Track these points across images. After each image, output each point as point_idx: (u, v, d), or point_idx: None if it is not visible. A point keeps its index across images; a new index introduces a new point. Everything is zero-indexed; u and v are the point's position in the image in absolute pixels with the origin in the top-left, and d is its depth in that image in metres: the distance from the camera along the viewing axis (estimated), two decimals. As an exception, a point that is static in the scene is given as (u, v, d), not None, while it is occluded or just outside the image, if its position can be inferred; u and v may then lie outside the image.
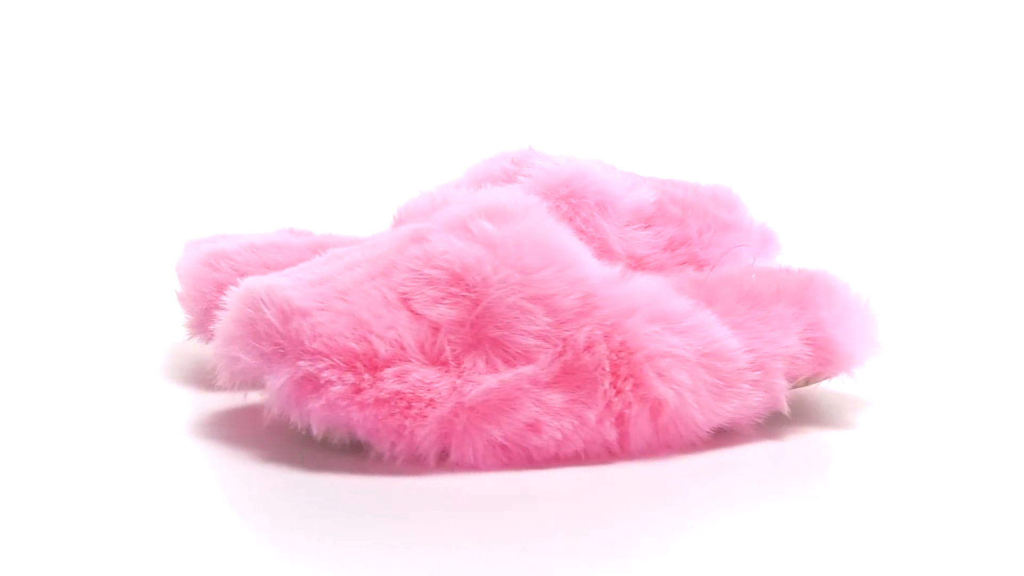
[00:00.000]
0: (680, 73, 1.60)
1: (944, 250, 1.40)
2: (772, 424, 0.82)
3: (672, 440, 0.78)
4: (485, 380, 0.75)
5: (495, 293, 0.76)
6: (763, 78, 1.60)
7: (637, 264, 0.88)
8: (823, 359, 0.82)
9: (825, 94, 1.60)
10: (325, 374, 0.76)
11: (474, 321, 0.77)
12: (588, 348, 0.77)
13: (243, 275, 0.86)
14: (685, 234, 0.90)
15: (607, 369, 0.77)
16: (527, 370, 0.76)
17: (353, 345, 0.76)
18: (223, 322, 0.80)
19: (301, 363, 0.76)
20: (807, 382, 0.83)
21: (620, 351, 0.77)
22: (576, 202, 0.87)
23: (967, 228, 1.47)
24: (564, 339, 0.77)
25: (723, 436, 0.80)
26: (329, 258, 0.83)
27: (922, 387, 0.93)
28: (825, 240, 1.37)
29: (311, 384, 0.76)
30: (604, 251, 0.87)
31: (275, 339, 0.77)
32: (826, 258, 0.99)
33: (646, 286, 0.80)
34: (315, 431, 0.77)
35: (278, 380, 0.77)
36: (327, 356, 0.76)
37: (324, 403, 0.76)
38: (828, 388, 0.88)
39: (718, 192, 0.94)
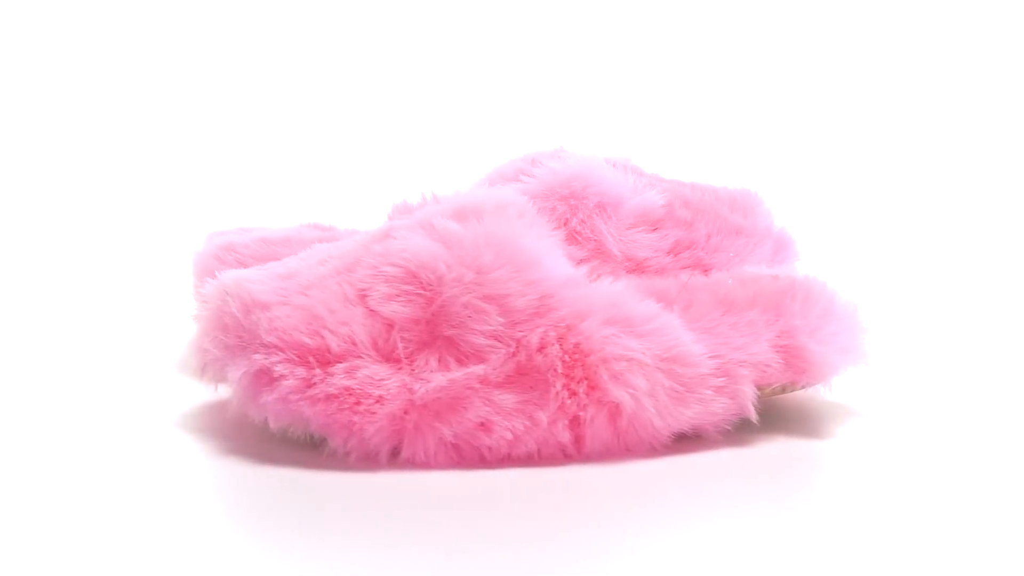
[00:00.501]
0: (726, 76, 1.57)
1: (973, 260, 1.36)
2: (742, 431, 0.80)
3: (632, 444, 0.78)
4: (435, 378, 0.75)
5: (449, 292, 0.76)
6: (811, 82, 1.57)
7: (637, 267, 0.87)
8: (796, 367, 0.80)
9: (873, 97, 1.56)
10: (278, 368, 0.76)
11: (429, 319, 0.77)
12: (541, 349, 0.76)
13: (246, 268, 0.87)
14: (691, 238, 0.89)
15: (559, 371, 0.76)
16: (477, 369, 0.76)
17: (307, 340, 0.76)
18: (199, 314, 0.82)
19: (256, 356, 0.77)
20: (784, 390, 0.81)
21: (574, 353, 0.76)
22: (575, 203, 0.87)
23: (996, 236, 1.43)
24: (517, 340, 0.76)
25: (689, 441, 0.79)
26: (310, 253, 0.84)
27: (910, 398, 0.91)
28: (856, 247, 1.35)
29: (266, 377, 0.77)
30: (600, 253, 0.86)
31: (238, 331, 0.78)
32: (847, 265, 0.96)
33: (609, 289, 0.79)
34: (272, 425, 0.77)
35: (237, 373, 0.78)
36: (282, 350, 0.77)
37: (277, 397, 0.76)
38: (815, 396, 0.87)
39: (737, 196, 0.93)
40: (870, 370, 0.86)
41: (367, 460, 0.76)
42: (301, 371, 0.76)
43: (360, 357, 0.76)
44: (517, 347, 0.76)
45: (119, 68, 1.51)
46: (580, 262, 0.84)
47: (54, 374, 0.98)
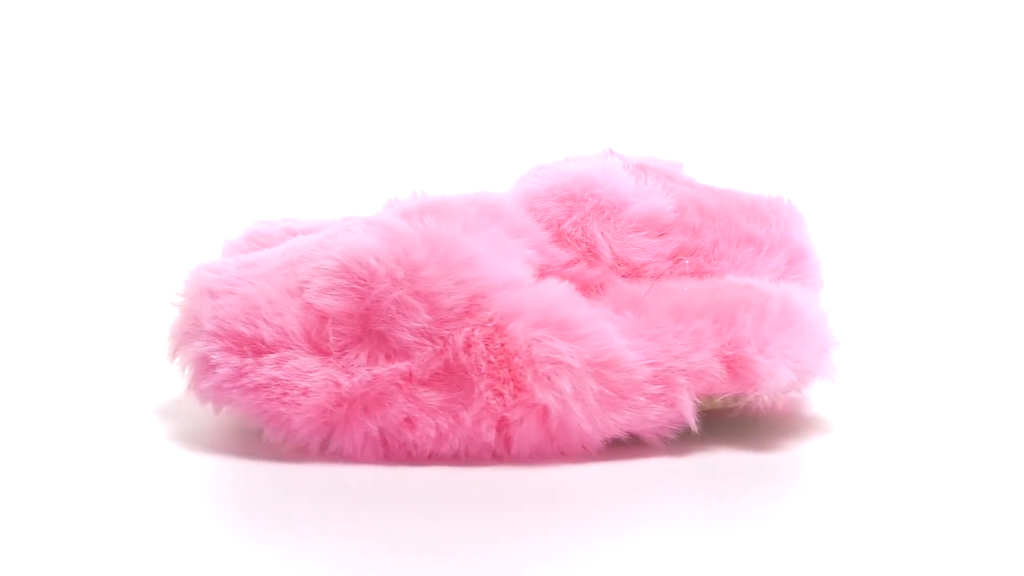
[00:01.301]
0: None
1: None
2: (689, 440, 0.79)
3: (565, 448, 0.77)
4: (360, 373, 0.76)
5: (380, 287, 0.77)
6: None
7: (633, 272, 0.87)
8: (741, 379, 0.78)
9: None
10: (215, 356, 0.78)
11: (362, 314, 0.77)
12: (466, 349, 0.76)
13: None
14: (696, 244, 0.87)
15: (483, 371, 0.76)
16: (401, 366, 0.76)
17: (243, 329, 0.78)
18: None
19: (197, 343, 0.79)
20: (736, 400, 0.79)
21: (500, 354, 0.76)
22: (572, 205, 0.86)
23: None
24: (444, 338, 0.76)
25: (629, 448, 0.78)
26: (283, 244, 0.86)
27: (887, 415, 0.87)
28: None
29: (204, 365, 0.79)
30: (590, 256, 0.86)
31: (189, 318, 0.81)
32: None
33: (546, 293, 0.78)
34: (214, 411, 0.79)
35: (183, 359, 0.80)
36: (221, 338, 0.78)
37: (211, 385, 0.78)
38: (789, 408, 0.84)
39: (761, 204, 0.90)
40: (860, 384, 0.83)
41: (299, 452, 0.77)
42: (235, 360, 0.77)
43: (291, 348, 0.77)
44: (444, 346, 0.76)
45: (140, 67, 1.50)
46: (566, 264, 0.84)
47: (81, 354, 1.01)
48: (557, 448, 0.77)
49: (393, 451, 0.76)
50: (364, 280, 0.77)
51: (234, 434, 0.80)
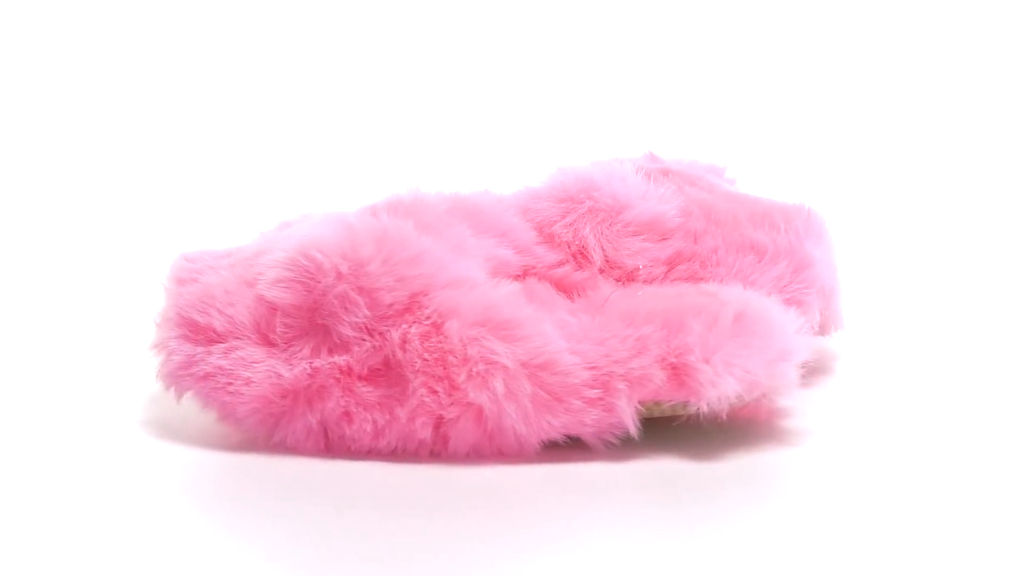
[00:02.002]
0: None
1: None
2: (630, 446, 0.77)
3: (503, 448, 0.76)
4: (300, 365, 0.77)
5: (325, 281, 0.77)
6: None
7: (627, 276, 0.86)
8: (683, 386, 0.76)
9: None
10: (171, 343, 0.80)
11: (310, 307, 0.78)
12: (402, 345, 0.76)
13: None
14: (694, 250, 0.87)
15: (418, 368, 0.76)
16: (340, 360, 0.77)
17: (197, 318, 0.79)
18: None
19: (160, 331, 0.81)
20: (684, 408, 0.77)
21: (434, 352, 0.76)
22: (568, 206, 0.87)
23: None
24: (382, 334, 0.77)
25: (571, 451, 0.77)
26: (263, 236, 0.87)
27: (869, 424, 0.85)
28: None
29: (164, 352, 0.81)
30: (579, 257, 0.86)
31: (165, 305, 0.83)
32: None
33: (490, 293, 0.77)
34: (176, 399, 0.81)
35: (152, 346, 0.82)
36: (180, 326, 0.80)
37: (168, 372, 0.80)
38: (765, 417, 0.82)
39: (773, 211, 0.90)
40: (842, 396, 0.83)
41: (249, 442, 0.79)
42: (188, 347, 0.79)
43: (240, 339, 0.78)
44: (382, 342, 0.77)
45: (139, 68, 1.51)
46: (553, 265, 0.85)
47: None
48: (495, 448, 0.76)
49: (334, 444, 0.77)
50: (311, 273, 0.78)
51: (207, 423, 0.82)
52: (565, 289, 0.85)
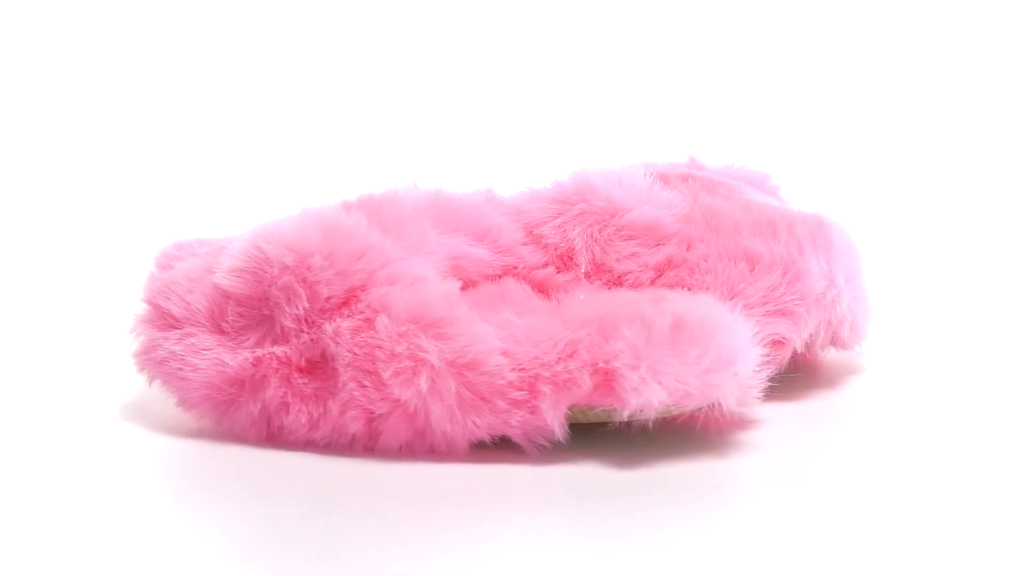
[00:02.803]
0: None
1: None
2: (565, 448, 0.76)
3: (434, 446, 0.76)
4: (243, 354, 0.78)
5: (271, 272, 0.78)
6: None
7: (615, 280, 0.86)
8: (608, 392, 0.74)
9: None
10: (138, 327, 0.82)
11: (259, 297, 0.79)
12: (334, 338, 0.77)
13: None
14: (684, 257, 0.85)
15: (348, 362, 0.76)
16: (279, 350, 0.78)
17: (160, 303, 0.81)
18: None
19: (136, 314, 0.84)
20: (610, 414, 0.75)
21: (363, 347, 0.76)
22: (560, 207, 0.87)
23: None
24: (319, 326, 0.77)
25: (503, 451, 0.76)
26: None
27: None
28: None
29: (134, 335, 0.83)
30: (564, 259, 0.86)
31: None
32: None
33: (427, 291, 0.77)
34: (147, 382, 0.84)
35: (130, 330, 0.85)
36: (148, 311, 0.83)
37: (134, 353, 0.82)
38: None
39: (779, 220, 0.87)
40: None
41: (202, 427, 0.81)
42: (151, 332, 0.81)
43: (195, 325, 0.80)
44: (319, 334, 0.77)
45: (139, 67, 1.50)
46: (535, 267, 0.85)
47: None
48: (426, 446, 0.76)
49: (274, 434, 0.78)
50: (260, 264, 0.79)
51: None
52: (545, 291, 0.84)
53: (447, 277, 0.80)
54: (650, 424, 0.75)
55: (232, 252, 0.80)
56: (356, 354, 0.76)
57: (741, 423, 0.81)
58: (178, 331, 0.80)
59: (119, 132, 1.44)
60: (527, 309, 0.79)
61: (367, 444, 0.77)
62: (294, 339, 0.77)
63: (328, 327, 0.76)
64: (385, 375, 0.75)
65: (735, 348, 0.75)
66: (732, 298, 0.84)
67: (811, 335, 0.85)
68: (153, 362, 0.81)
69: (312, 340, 0.77)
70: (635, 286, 0.85)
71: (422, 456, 0.76)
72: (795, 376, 0.88)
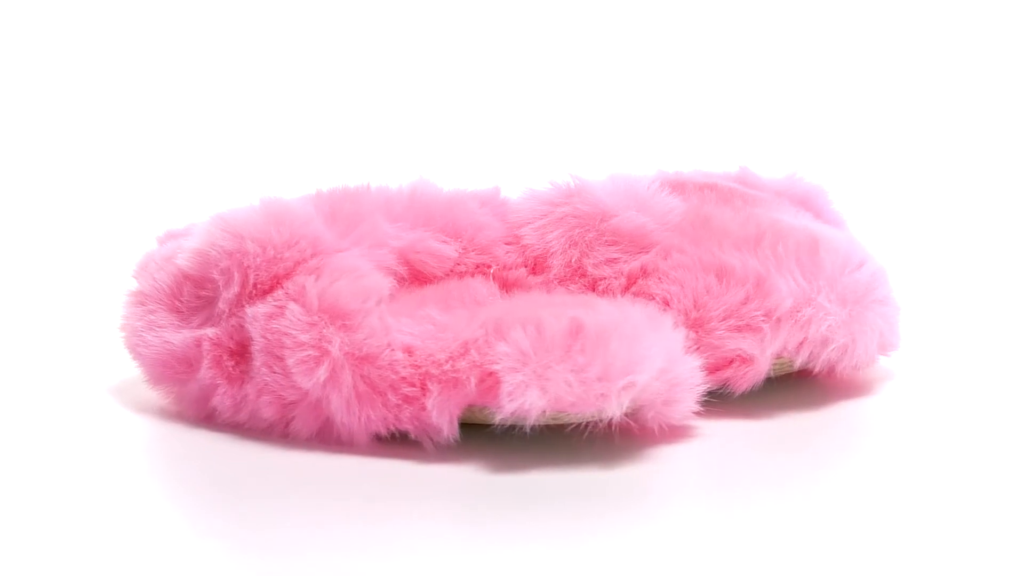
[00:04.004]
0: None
1: None
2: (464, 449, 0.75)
3: (339, 437, 0.76)
4: (185, 333, 0.80)
5: (214, 254, 0.80)
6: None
7: (590, 284, 0.85)
8: (488, 394, 0.73)
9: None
10: (123, 306, 0.86)
11: (207, 278, 0.81)
12: (252, 323, 0.78)
13: None
14: (658, 266, 0.83)
15: (260, 348, 0.77)
16: (211, 331, 0.79)
17: (137, 279, 0.85)
18: None
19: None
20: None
21: (274, 333, 0.77)
22: (546, 209, 0.87)
23: None
24: (244, 310, 0.79)
25: (407, 447, 0.76)
26: None
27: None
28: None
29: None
30: (539, 262, 0.86)
31: None
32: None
33: (345, 284, 0.77)
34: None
35: None
36: (131, 289, 0.86)
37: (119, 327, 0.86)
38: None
39: (768, 234, 0.84)
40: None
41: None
42: (127, 307, 0.85)
43: (158, 303, 0.82)
44: (243, 318, 0.79)
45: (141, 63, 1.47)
46: (509, 267, 0.85)
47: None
48: (333, 436, 0.76)
49: (210, 414, 0.80)
50: (209, 246, 0.81)
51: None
52: (507, 288, 0.84)
53: (392, 271, 0.81)
54: (528, 428, 0.73)
55: (193, 234, 0.82)
56: (268, 340, 0.77)
57: (676, 434, 0.78)
58: (144, 307, 0.82)
59: (131, 120, 1.45)
60: (466, 306, 0.78)
61: (281, 431, 0.77)
62: (224, 322, 0.79)
63: (249, 311, 0.78)
64: (290, 362, 0.76)
65: (633, 359, 0.72)
66: (697, 310, 0.81)
67: (788, 353, 0.81)
68: (126, 337, 0.84)
69: (238, 324, 0.78)
70: (606, 292, 0.83)
71: (332, 447, 0.76)
72: (775, 392, 0.85)
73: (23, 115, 1.41)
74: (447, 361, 0.74)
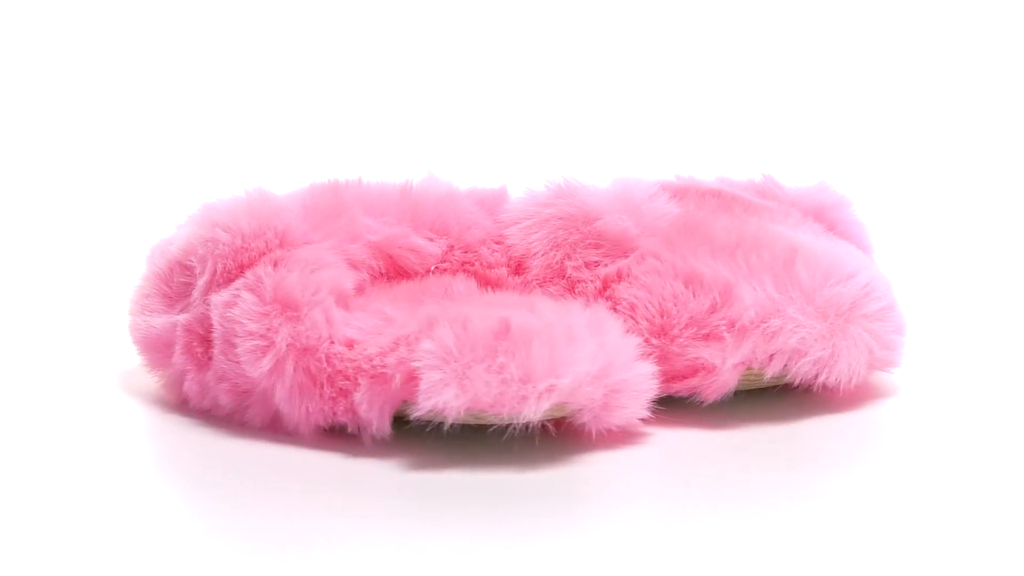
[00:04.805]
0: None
1: None
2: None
3: (288, 427, 0.78)
4: (163, 319, 0.83)
5: (195, 242, 0.82)
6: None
7: (568, 287, 0.84)
8: (410, 391, 0.73)
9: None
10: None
11: (188, 264, 0.83)
12: (213, 310, 0.79)
13: None
14: (628, 270, 0.83)
15: (219, 334, 0.79)
16: (182, 318, 0.81)
17: (146, 267, 0.87)
18: None
19: None
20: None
21: (228, 322, 0.78)
22: (533, 210, 0.86)
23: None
24: (209, 300, 0.80)
25: (343, 441, 0.76)
26: None
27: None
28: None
29: None
30: (518, 264, 0.85)
31: None
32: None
33: (296, 276, 0.78)
34: None
35: None
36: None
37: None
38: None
39: (746, 243, 0.83)
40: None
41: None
42: (134, 293, 0.87)
43: (154, 287, 0.84)
44: (207, 307, 0.81)
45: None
46: (490, 266, 0.85)
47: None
48: (283, 427, 0.77)
49: (183, 400, 0.82)
50: (193, 234, 0.82)
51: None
52: (485, 286, 0.84)
53: (365, 265, 0.81)
54: (450, 427, 0.72)
55: (188, 222, 0.84)
56: (224, 328, 0.78)
57: (624, 440, 0.77)
58: (142, 292, 0.85)
59: (159, 107, 1.44)
60: (398, 303, 0.78)
61: (239, 419, 0.79)
62: (194, 308, 0.81)
63: (213, 299, 0.79)
64: (239, 351, 0.77)
65: (557, 362, 0.71)
66: (661, 317, 0.80)
67: (759, 364, 0.79)
68: (129, 320, 0.87)
69: (206, 311, 0.80)
70: (582, 295, 0.82)
71: (282, 438, 0.77)
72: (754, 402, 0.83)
73: (36, 103, 1.41)
74: (377, 356, 0.74)
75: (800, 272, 0.80)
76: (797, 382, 0.81)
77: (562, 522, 0.68)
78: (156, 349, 0.82)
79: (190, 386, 0.80)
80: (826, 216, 0.89)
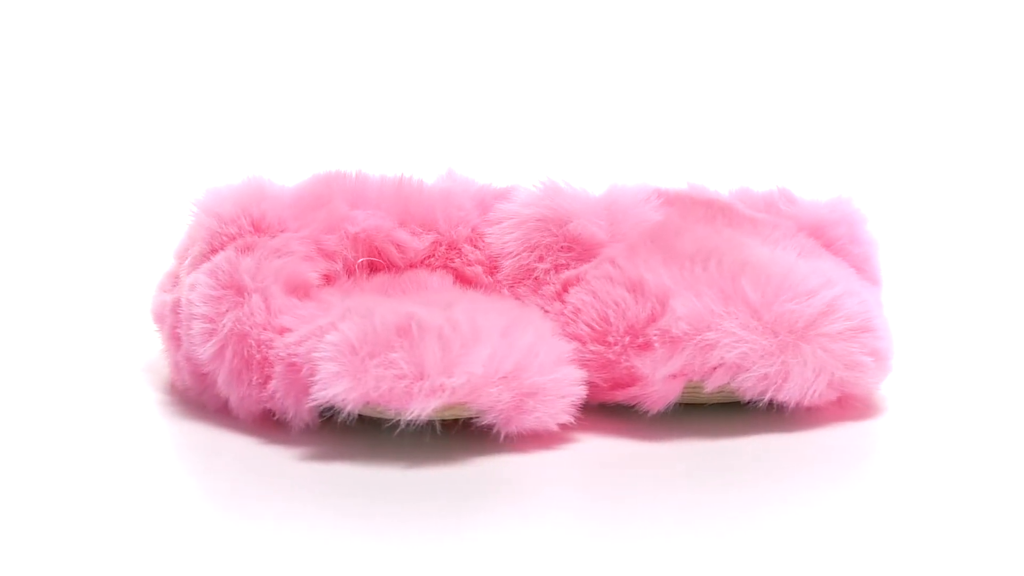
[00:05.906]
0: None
1: None
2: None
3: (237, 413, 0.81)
4: (162, 296, 0.87)
5: (194, 225, 0.86)
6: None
7: (534, 287, 0.84)
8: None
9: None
10: None
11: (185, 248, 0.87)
12: (183, 292, 0.83)
13: None
14: (586, 274, 0.82)
15: (184, 316, 0.82)
16: (168, 297, 0.85)
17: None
18: None
19: None
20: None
21: (188, 303, 0.81)
22: (513, 210, 0.86)
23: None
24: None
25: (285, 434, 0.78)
26: None
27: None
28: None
29: None
30: (493, 264, 0.86)
31: None
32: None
33: (260, 263, 0.80)
34: None
35: None
36: None
37: None
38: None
39: (713, 255, 0.82)
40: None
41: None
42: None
43: (171, 267, 0.89)
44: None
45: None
46: (469, 264, 0.86)
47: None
48: (236, 413, 0.80)
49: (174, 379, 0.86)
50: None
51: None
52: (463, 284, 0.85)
53: (341, 256, 0.83)
54: (346, 418, 0.74)
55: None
56: (186, 310, 0.82)
57: (541, 443, 0.77)
58: (168, 269, 0.89)
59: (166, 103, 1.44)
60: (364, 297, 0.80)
61: (213, 405, 0.81)
62: (177, 288, 0.84)
63: (184, 279, 0.83)
64: (192, 333, 0.80)
65: (452, 361, 0.72)
66: (601, 323, 0.79)
67: (699, 376, 0.78)
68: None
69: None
70: (543, 297, 0.82)
71: (231, 423, 0.80)
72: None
73: (40, 103, 1.42)
74: (293, 345, 0.76)
75: (745, 287, 0.78)
76: (748, 398, 0.78)
77: (438, 525, 0.67)
78: (160, 325, 0.87)
79: (171, 365, 0.84)
80: (825, 233, 0.87)
